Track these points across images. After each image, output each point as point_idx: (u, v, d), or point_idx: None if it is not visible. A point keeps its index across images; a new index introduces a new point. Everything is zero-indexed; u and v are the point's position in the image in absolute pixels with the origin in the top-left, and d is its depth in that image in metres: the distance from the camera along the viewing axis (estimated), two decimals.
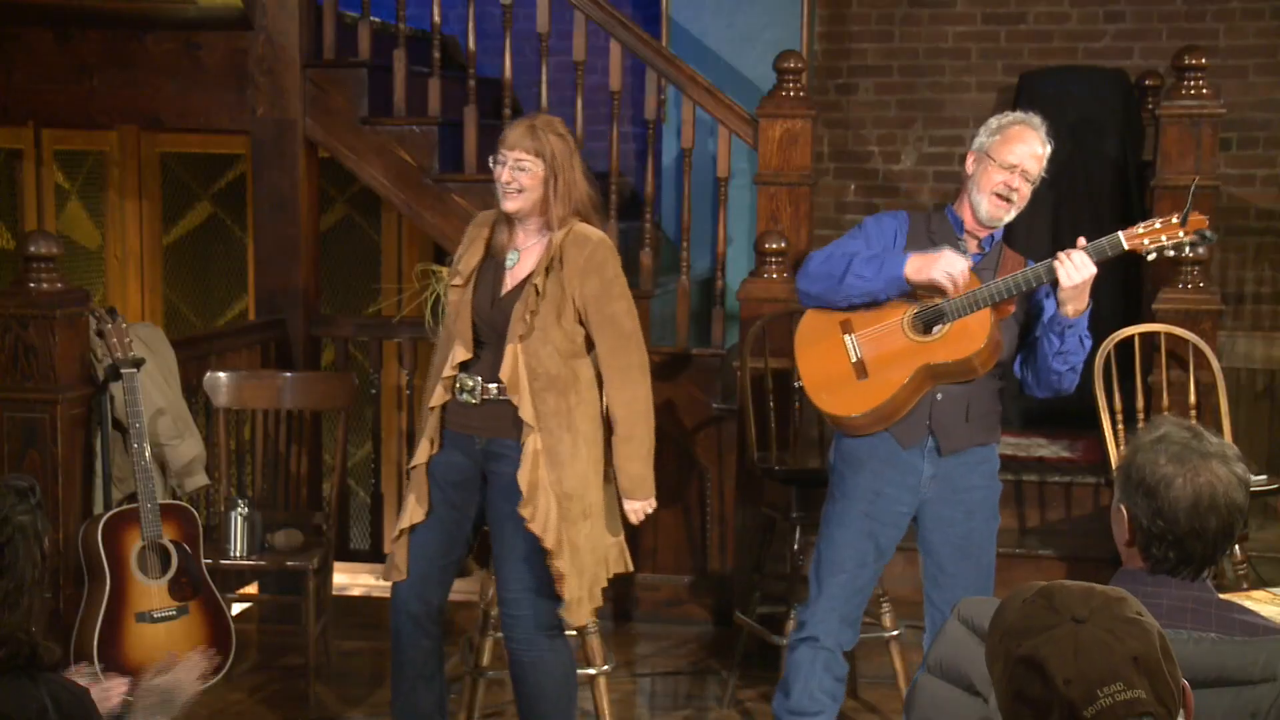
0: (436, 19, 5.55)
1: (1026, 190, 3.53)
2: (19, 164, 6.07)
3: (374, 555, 5.66)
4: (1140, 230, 3.39)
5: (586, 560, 3.55)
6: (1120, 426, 4.64)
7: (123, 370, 4.06)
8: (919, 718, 2.03)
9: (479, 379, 3.54)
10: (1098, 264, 3.38)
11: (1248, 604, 2.19)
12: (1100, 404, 4.62)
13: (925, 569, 3.65)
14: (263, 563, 4.51)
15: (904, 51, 6.48)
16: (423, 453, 3.61)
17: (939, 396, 3.52)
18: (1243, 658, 1.98)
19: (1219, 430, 4.42)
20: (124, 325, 4.13)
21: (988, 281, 3.44)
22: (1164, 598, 2.07)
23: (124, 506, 4.13)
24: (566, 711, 3.69)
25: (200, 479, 4.58)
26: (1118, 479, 2.16)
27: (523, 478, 3.46)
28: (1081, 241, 3.42)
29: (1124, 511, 2.12)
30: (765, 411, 4.58)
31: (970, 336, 3.44)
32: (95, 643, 3.95)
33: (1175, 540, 2.07)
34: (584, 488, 3.53)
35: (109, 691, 2.50)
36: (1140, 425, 4.65)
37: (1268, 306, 6.19)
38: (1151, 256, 3.42)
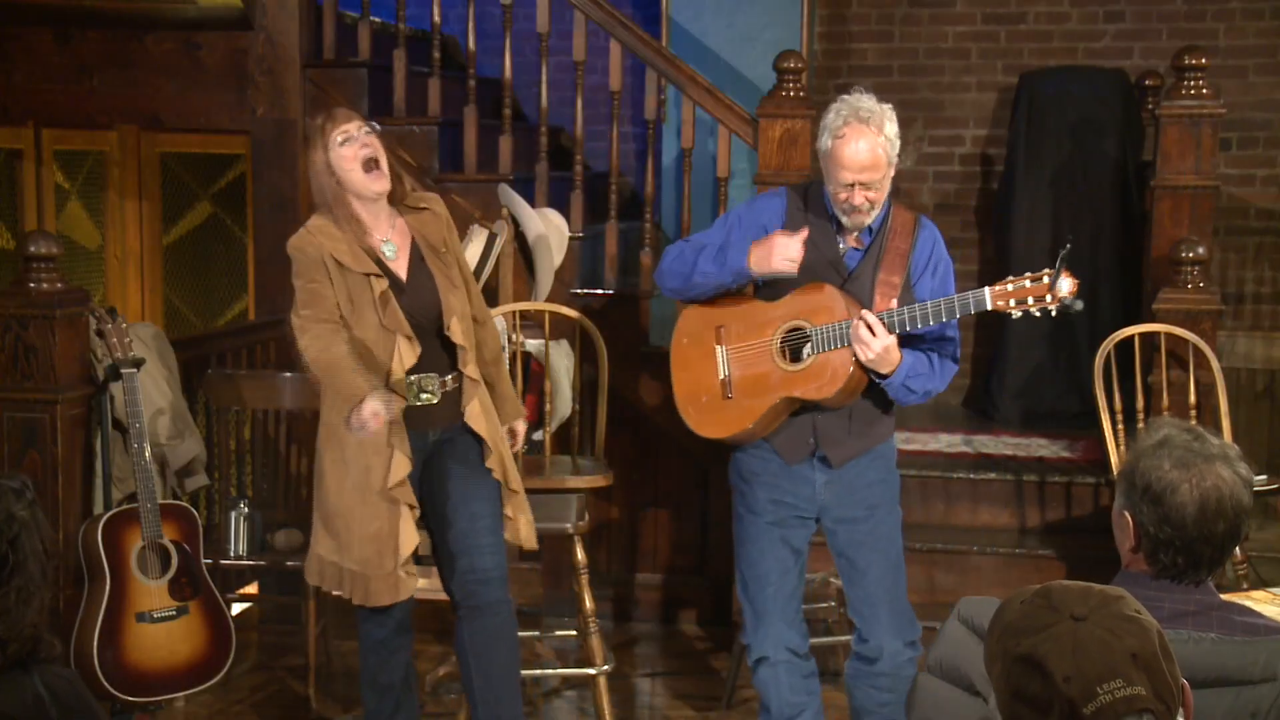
0: (436, 19, 5.55)
1: (878, 189, 3.39)
2: (19, 164, 6.07)
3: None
4: (1009, 289, 3.26)
5: (522, 489, 3.72)
6: (1120, 426, 4.64)
7: (123, 370, 4.07)
8: (919, 717, 2.03)
9: (434, 375, 3.53)
10: (974, 316, 3.30)
11: (1248, 604, 2.18)
12: (1100, 404, 4.62)
13: (839, 567, 3.64)
14: (263, 563, 4.51)
15: (904, 51, 6.47)
16: (403, 466, 3.49)
17: (819, 415, 3.50)
18: (1242, 658, 1.98)
19: (1219, 430, 4.42)
20: (124, 325, 4.13)
21: (853, 315, 3.34)
22: (1166, 601, 2.07)
23: (124, 506, 4.13)
24: (519, 675, 3.72)
25: (200, 479, 4.58)
26: (1120, 485, 2.15)
27: (484, 433, 3.56)
28: (890, 304, 3.33)
29: (1128, 518, 2.11)
30: None
31: (832, 376, 3.40)
32: (95, 643, 3.96)
33: (1183, 546, 2.06)
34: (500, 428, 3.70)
35: None
36: (1140, 426, 4.65)
37: (1268, 306, 6.19)
38: (1016, 315, 3.28)
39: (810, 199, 3.54)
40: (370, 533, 3.51)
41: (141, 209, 6.18)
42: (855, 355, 3.34)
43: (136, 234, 6.19)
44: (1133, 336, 4.69)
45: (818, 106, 5.29)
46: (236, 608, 4.89)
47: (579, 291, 5.29)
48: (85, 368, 4.21)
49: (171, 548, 4.10)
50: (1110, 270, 5.66)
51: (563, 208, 5.15)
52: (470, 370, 3.57)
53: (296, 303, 3.55)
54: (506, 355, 4.33)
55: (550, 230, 4.76)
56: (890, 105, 3.46)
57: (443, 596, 3.77)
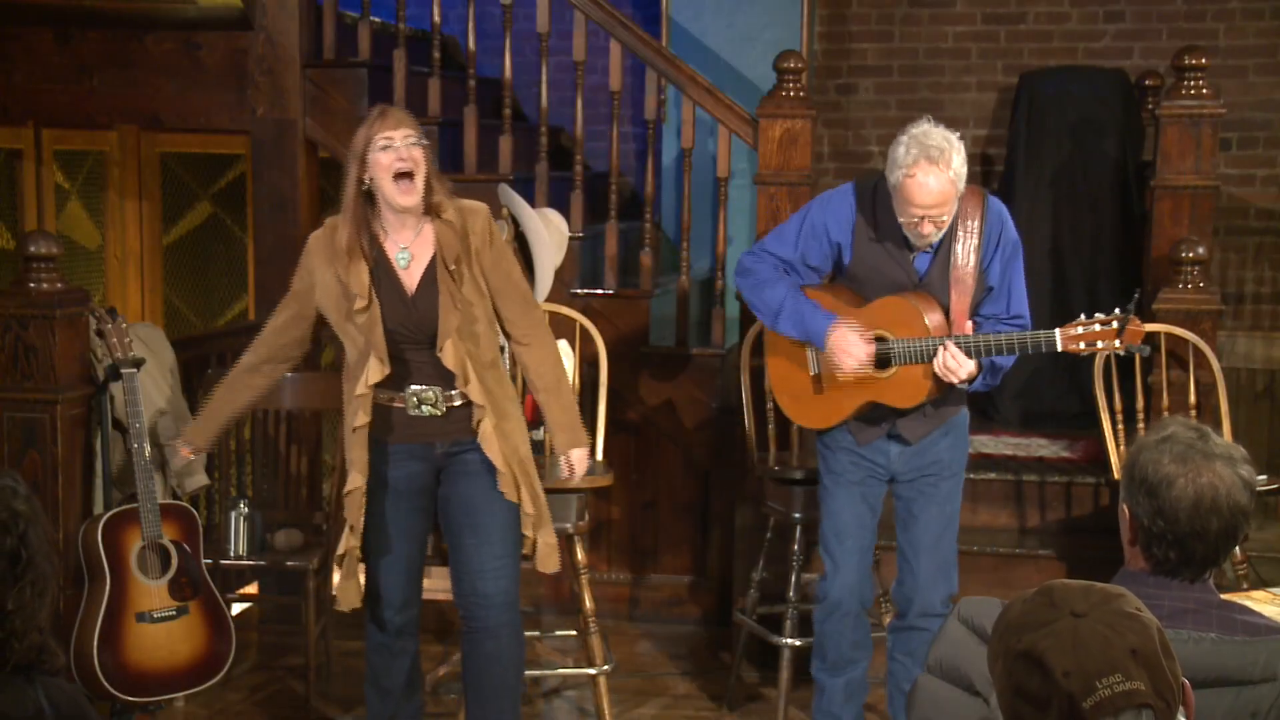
0: (436, 19, 5.55)
1: (945, 217, 3.52)
2: (19, 164, 6.07)
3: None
4: (1079, 332, 3.48)
5: (544, 511, 3.65)
6: (1120, 426, 4.64)
7: (123, 370, 4.06)
8: (919, 717, 2.03)
9: (436, 389, 3.49)
10: (1032, 354, 3.58)
11: (1248, 604, 2.18)
12: (1100, 404, 4.62)
13: (896, 514, 3.84)
14: (263, 563, 4.51)
15: (904, 51, 6.47)
16: (360, 475, 3.51)
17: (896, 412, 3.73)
18: (1242, 658, 1.98)
19: (1219, 430, 4.42)
20: (124, 325, 4.13)
21: (932, 334, 3.55)
22: (1165, 599, 2.07)
23: (124, 506, 4.13)
24: (518, 695, 3.73)
25: (200, 479, 4.58)
26: (1122, 479, 2.16)
27: (495, 458, 3.51)
28: (969, 327, 3.56)
29: (1125, 511, 2.12)
30: (765, 411, 4.58)
31: (915, 388, 3.64)
32: (95, 643, 3.95)
33: (1176, 540, 2.07)
34: (527, 448, 3.64)
35: None
36: (1140, 425, 4.65)
37: (1268, 306, 6.19)
38: (1085, 354, 3.54)
39: (879, 201, 3.63)
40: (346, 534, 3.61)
41: (141, 209, 6.18)
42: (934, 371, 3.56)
43: (136, 234, 6.19)
44: None
45: (818, 106, 5.31)
46: (236, 608, 4.89)
47: (579, 291, 5.29)
48: (85, 368, 4.21)
49: (171, 548, 4.10)
50: (1110, 270, 5.66)
51: (563, 208, 5.14)
52: (472, 392, 3.47)
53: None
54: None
55: (550, 230, 4.76)
56: (958, 135, 3.52)
57: (442, 596, 3.78)
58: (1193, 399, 4.61)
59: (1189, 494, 2.06)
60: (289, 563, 4.46)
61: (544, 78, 5.40)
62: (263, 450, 4.91)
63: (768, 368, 3.89)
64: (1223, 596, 2.15)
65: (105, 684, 3.96)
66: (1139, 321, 3.44)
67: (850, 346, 3.62)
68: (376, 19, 5.80)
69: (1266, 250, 6.19)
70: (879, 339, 3.64)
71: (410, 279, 3.48)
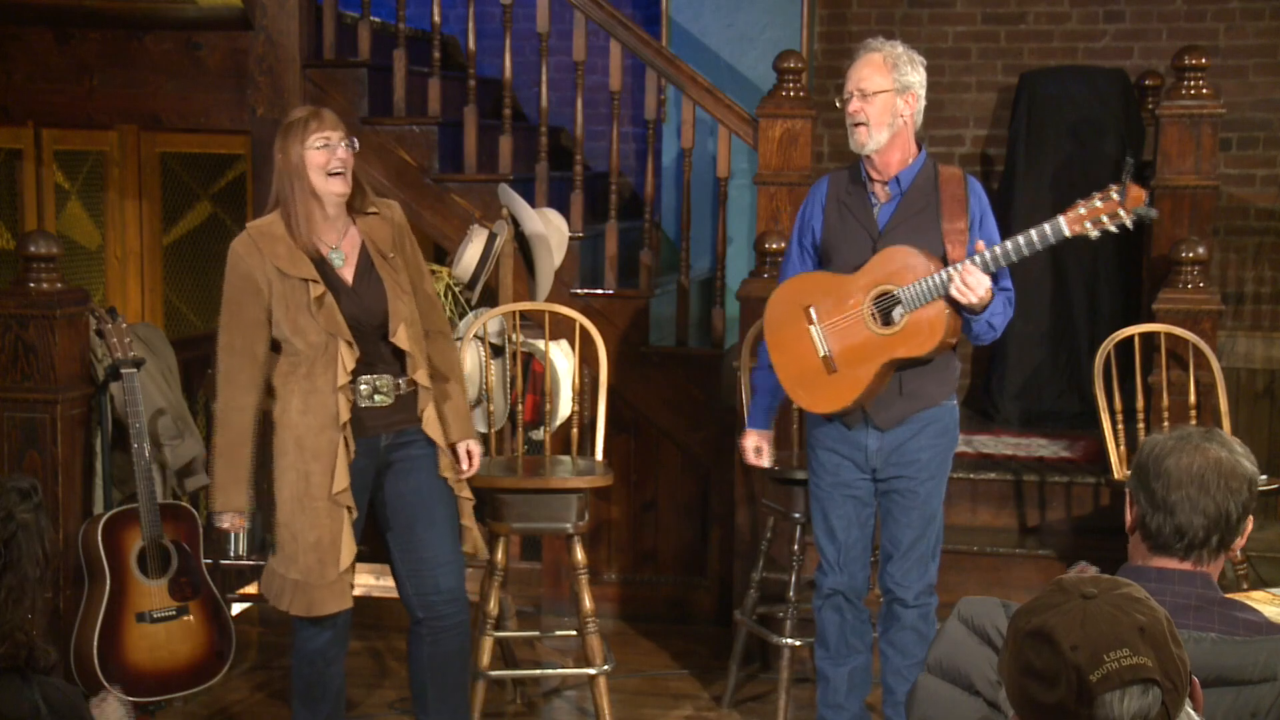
0: (436, 19, 5.55)
1: (875, 106, 3.64)
2: (19, 164, 6.07)
3: (374, 555, 5.65)
4: (1082, 212, 3.44)
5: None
6: (1120, 426, 4.64)
7: (123, 370, 4.06)
8: (919, 717, 2.03)
9: (387, 378, 3.53)
10: (1053, 246, 3.51)
11: (1247, 604, 2.19)
12: (1100, 404, 4.62)
13: (881, 511, 3.84)
14: (263, 563, 4.50)
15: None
16: (345, 474, 3.49)
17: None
18: (1242, 658, 1.98)
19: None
20: (124, 325, 4.13)
21: (935, 272, 3.52)
22: (1168, 594, 2.08)
23: (124, 506, 4.13)
24: (467, 687, 3.79)
25: (200, 479, 4.57)
26: (1131, 471, 2.21)
27: (437, 437, 3.59)
28: (981, 245, 3.53)
29: (1128, 495, 2.16)
30: None
31: (930, 330, 3.56)
32: (95, 643, 3.96)
33: (1169, 510, 2.10)
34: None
35: None
36: (1140, 425, 4.65)
37: (1268, 306, 6.19)
38: (1095, 234, 3.46)
39: (850, 172, 3.78)
40: (310, 541, 3.50)
41: (141, 209, 6.19)
42: (949, 305, 3.52)
43: (136, 234, 6.20)
44: (1133, 336, 4.69)
45: (818, 106, 5.31)
46: (236, 608, 4.89)
47: (579, 291, 5.29)
48: (85, 368, 4.21)
49: (171, 548, 4.10)
50: (1110, 270, 5.66)
51: (563, 208, 5.14)
52: (420, 377, 3.56)
53: (221, 310, 3.58)
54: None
55: (550, 230, 4.76)
56: (918, 53, 3.77)
57: (380, 594, 3.80)
58: (1193, 399, 4.60)
59: (1183, 465, 2.12)
60: None
61: (544, 78, 5.40)
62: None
63: (776, 368, 3.83)
64: (1225, 595, 2.17)
65: (105, 684, 3.96)
66: (1137, 186, 3.36)
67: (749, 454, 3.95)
68: (376, 19, 5.80)
69: (1266, 250, 6.19)
70: (882, 294, 3.59)
71: (347, 274, 3.54)
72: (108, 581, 4.01)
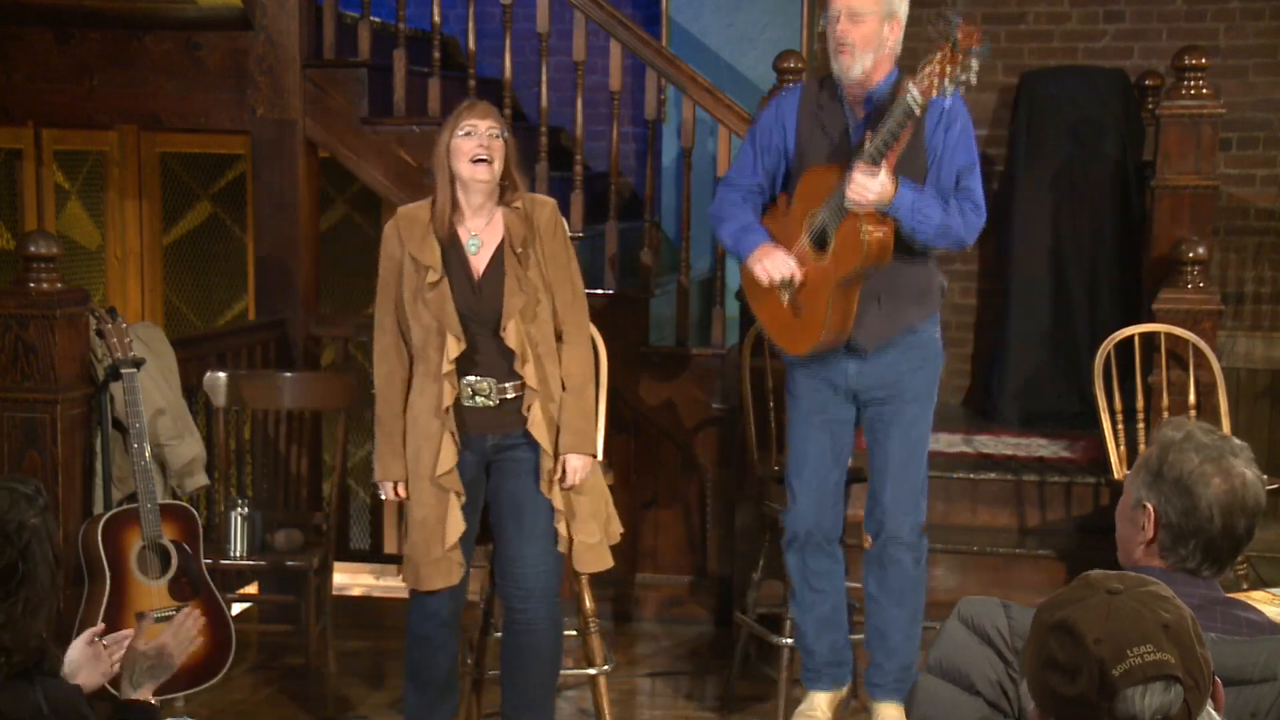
0: (436, 19, 5.55)
1: (864, 29, 3.56)
2: (19, 164, 6.07)
3: (374, 555, 5.66)
4: (925, 71, 3.34)
5: (601, 506, 3.73)
6: (1120, 426, 4.64)
7: (123, 370, 4.06)
8: (919, 717, 2.03)
9: (491, 381, 3.58)
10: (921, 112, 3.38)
11: (1249, 604, 2.19)
12: (1100, 404, 4.62)
13: (867, 444, 3.80)
14: (263, 563, 4.51)
15: (904, 51, 6.44)
16: (451, 455, 3.57)
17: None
18: (1243, 658, 1.98)
19: None
20: (124, 325, 4.13)
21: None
22: None
23: (124, 506, 4.13)
24: (553, 687, 3.80)
25: (200, 479, 4.57)
26: (1142, 477, 2.15)
27: (542, 440, 3.58)
28: (862, 161, 3.43)
29: (1150, 509, 2.12)
30: (765, 411, 4.58)
31: (854, 244, 3.51)
32: None
33: (1206, 539, 2.09)
34: None
35: (106, 655, 2.57)
36: (1140, 425, 4.64)
37: (1268, 306, 6.19)
38: (949, 95, 3.37)
39: (825, 86, 3.71)
40: (418, 519, 3.61)
41: (141, 209, 6.19)
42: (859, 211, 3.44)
43: (136, 234, 6.20)
44: (1133, 336, 4.69)
45: None
46: (236, 608, 4.89)
47: None
48: (85, 368, 4.21)
49: (171, 548, 4.09)
50: (1110, 270, 5.66)
51: (563, 208, 5.14)
52: (528, 374, 3.57)
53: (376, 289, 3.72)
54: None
55: None
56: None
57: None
58: (1193, 399, 4.60)
59: (1223, 491, 2.09)
60: (289, 563, 4.46)
61: (544, 78, 5.40)
62: (263, 450, 4.91)
63: (761, 325, 3.85)
64: (1227, 595, 2.16)
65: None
66: (968, 25, 3.29)
67: (765, 255, 3.64)
68: (376, 19, 5.80)
69: (1266, 250, 6.19)
70: (812, 219, 3.58)
71: (479, 263, 3.60)
72: (107, 581, 4.01)
